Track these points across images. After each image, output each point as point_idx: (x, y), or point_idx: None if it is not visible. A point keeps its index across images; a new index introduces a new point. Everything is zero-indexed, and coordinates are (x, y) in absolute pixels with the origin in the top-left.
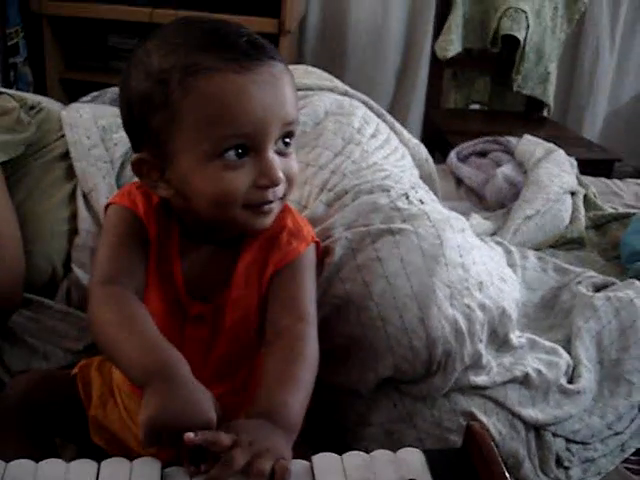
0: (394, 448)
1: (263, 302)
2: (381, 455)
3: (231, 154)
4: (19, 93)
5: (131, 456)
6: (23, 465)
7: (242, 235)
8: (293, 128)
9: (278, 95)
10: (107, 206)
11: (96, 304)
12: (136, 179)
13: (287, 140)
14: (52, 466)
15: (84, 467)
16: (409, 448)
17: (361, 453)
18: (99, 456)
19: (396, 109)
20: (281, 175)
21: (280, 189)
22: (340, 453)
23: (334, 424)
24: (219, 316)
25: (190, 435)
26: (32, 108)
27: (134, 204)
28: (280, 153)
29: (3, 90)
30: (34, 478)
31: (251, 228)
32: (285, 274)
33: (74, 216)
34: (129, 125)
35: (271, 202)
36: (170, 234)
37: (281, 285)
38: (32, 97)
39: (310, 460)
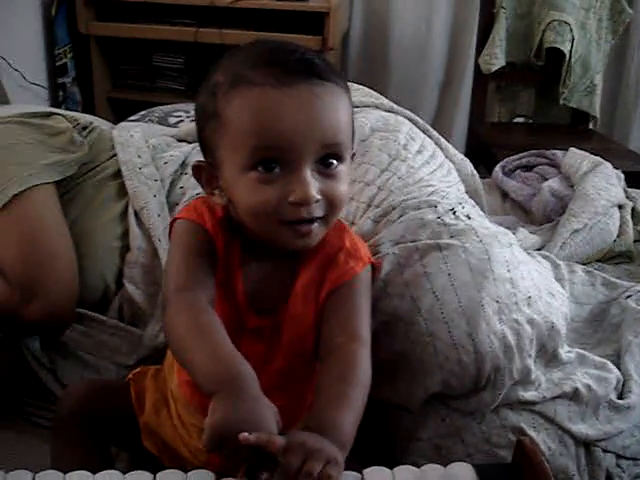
0: (443, 463)
1: (319, 319)
2: (432, 470)
3: (264, 167)
4: (71, 113)
5: (182, 464)
6: (80, 476)
7: (300, 251)
8: (337, 150)
9: (315, 114)
10: (173, 221)
11: (173, 311)
12: (189, 196)
13: (331, 161)
14: (109, 477)
15: (140, 478)
16: (459, 463)
17: (412, 467)
18: (151, 464)
19: (440, 123)
20: (313, 194)
21: (316, 208)
22: (389, 467)
23: (382, 438)
24: (276, 331)
25: (245, 435)
26: (84, 128)
27: (202, 218)
28: (322, 173)
29: (56, 111)
30: None
31: (293, 247)
32: (341, 293)
33: (126, 233)
34: (197, 134)
35: (307, 221)
36: (232, 248)
37: (336, 304)
38: (83, 117)
39: (361, 473)
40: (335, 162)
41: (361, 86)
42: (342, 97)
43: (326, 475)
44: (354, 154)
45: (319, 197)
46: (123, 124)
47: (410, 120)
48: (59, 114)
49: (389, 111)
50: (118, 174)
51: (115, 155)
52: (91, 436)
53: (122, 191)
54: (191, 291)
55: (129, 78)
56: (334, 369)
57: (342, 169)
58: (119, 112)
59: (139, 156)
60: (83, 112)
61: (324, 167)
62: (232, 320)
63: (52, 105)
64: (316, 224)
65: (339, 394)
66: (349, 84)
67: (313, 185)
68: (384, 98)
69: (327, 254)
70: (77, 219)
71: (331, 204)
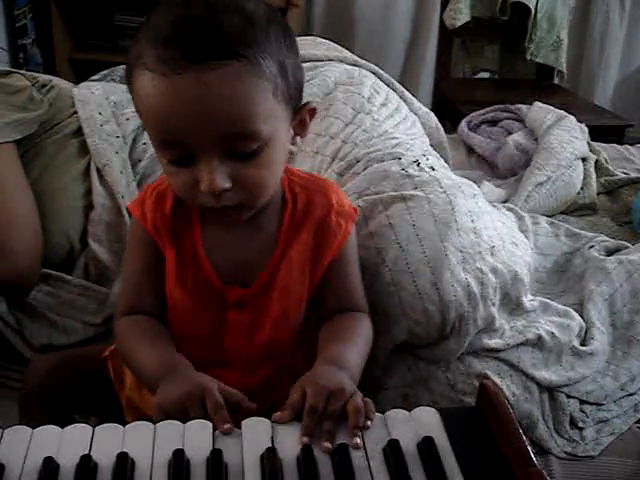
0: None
1: (312, 290)
2: (397, 414)
3: (172, 154)
4: (30, 72)
5: None
6: (49, 431)
7: (271, 215)
8: (245, 138)
9: (208, 106)
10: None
11: (122, 333)
12: (150, 152)
13: (243, 148)
14: (78, 430)
15: (110, 432)
16: (424, 407)
17: (377, 413)
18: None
19: (406, 79)
20: (218, 184)
21: (226, 196)
22: None
23: None
24: (263, 301)
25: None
26: (44, 86)
27: (144, 216)
28: (236, 159)
29: (14, 70)
30: (60, 441)
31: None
32: (338, 263)
33: (89, 191)
34: None
35: (223, 208)
36: (192, 229)
37: (335, 275)
38: (43, 76)
39: None
40: (250, 147)
41: (325, 40)
42: (247, 78)
43: (356, 409)
44: (314, 109)
45: (228, 185)
46: (84, 83)
47: (374, 73)
48: (18, 72)
49: (353, 65)
50: (79, 132)
51: (75, 113)
52: (57, 410)
53: (84, 149)
54: (139, 311)
55: (91, 38)
56: (339, 323)
57: (261, 151)
58: (81, 73)
59: (100, 113)
60: (45, 74)
61: (238, 153)
62: (211, 298)
63: (12, 67)
64: (236, 209)
65: (344, 338)
66: (314, 38)
67: (219, 174)
68: (348, 52)
69: (317, 217)
70: (39, 178)
71: (246, 190)
